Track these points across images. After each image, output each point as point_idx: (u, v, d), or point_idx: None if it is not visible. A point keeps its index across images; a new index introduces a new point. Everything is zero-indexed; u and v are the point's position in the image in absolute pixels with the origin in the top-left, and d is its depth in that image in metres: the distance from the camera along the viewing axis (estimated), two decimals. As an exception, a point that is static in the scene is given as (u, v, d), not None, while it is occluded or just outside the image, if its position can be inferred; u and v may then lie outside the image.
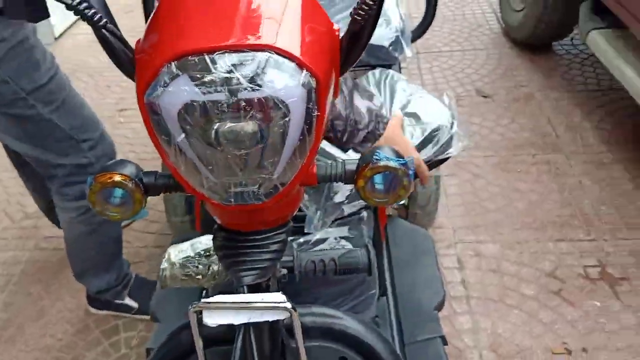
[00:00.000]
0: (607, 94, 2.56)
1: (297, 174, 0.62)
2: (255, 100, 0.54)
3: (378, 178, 0.67)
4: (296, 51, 0.56)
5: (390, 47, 1.37)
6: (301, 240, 1.15)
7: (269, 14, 0.58)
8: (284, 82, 0.55)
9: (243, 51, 0.54)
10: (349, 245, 1.14)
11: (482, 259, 1.87)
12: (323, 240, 1.15)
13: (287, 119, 0.56)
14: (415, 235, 1.59)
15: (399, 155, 0.67)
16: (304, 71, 0.56)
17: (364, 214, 1.19)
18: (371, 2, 0.56)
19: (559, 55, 2.92)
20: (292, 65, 0.55)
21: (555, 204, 2.05)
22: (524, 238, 1.94)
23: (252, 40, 0.55)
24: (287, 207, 0.71)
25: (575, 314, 1.67)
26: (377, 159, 0.66)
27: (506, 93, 2.67)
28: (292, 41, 0.56)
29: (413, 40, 1.51)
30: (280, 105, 0.55)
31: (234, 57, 0.54)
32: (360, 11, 0.58)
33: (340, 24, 0.65)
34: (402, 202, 1.66)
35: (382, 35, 1.37)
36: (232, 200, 0.63)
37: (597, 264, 1.81)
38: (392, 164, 0.66)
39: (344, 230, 1.15)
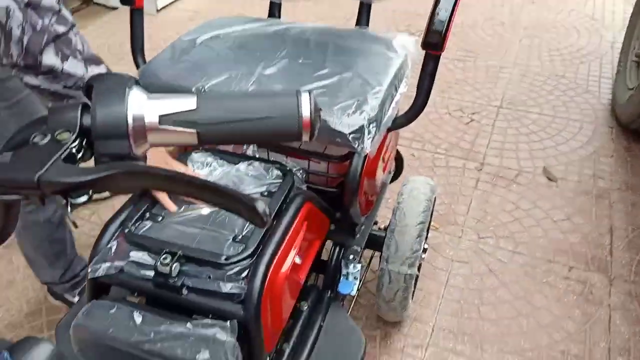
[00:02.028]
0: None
1: None
2: None
3: None
4: None
5: (351, 136, 1.15)
6: None
7: None
8: None
9: None
10: None
11: (445, 376, 1.62)
12: None
13: None
14: (348, 335, 1.41)
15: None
16: None
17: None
18: None
19: (666, 149, 2.42)
20: None
21: (566, 337, 1.71)
22: (507, 367, 1.64)
23: None
24: None
25: None
26: None
27: (577, 181, 2.27)
28: None
29: (391, 129, 1.28)
30: None
31: None
32: None
33: None
34: (352, 292, 1.46)
35: (347, 122, 1.15)
36: None
37: None
38: None
39: None
